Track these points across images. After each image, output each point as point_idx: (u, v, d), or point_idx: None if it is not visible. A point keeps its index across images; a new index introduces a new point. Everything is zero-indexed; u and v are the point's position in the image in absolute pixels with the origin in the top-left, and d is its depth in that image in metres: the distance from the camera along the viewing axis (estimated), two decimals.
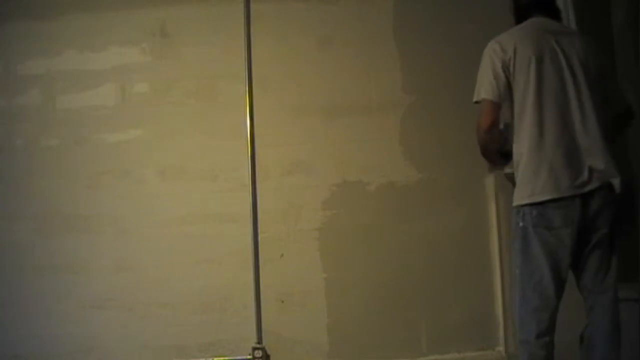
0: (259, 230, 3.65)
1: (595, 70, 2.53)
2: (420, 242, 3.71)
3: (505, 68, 2.47)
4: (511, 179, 2.66)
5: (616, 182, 2.44)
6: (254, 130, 3.71)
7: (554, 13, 2.64)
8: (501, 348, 3.64)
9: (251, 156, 3.70)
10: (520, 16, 2.63)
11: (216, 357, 3.65)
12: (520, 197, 2.48)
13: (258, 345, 3.58)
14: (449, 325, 3.67)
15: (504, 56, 2.47)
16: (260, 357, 3.54)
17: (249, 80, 3.70)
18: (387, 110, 3.78)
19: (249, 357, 3.58)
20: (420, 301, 3.68)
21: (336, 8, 3.83)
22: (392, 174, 3.75)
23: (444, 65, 3.76)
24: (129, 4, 3.85)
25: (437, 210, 3.71)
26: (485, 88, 2.48)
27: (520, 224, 2.47)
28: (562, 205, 2.40)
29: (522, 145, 2.47)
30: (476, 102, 2.55)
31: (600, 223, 2.45)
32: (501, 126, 2.54)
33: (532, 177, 2.43)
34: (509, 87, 2.47)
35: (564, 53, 2.49)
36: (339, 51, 3.81)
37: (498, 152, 2.63)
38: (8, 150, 3.83)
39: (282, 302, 3.70)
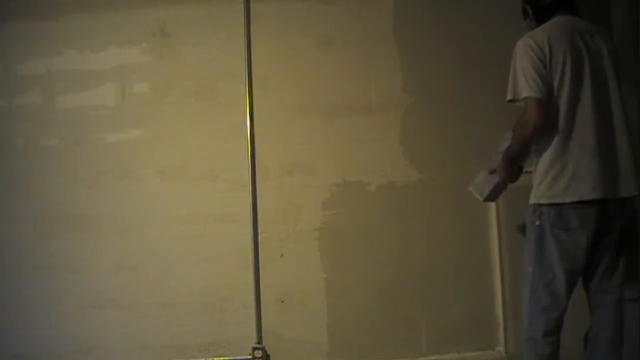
0: (259, 230, 3.65)
1: (619, 71, 2.53)
2: (420, 242, 3.71)
3: (545, 65, 2.44)
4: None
5: (635, 193, 2.45)
6: (254, 130, 3.71)
7: (576, 11, 2.61)
8: (501, 348, 3.64)
9: (251, 156, 3.70)
10: (543, 16, 2.60)
11: (216, 357, 3.65)
12: (540, 196, 2.47)
13: (258, 345, 3.58)
14: (449, 325, 3.67)
15: (541, 54, 2.44)
16: (260, 357, 3.54)
17: (249, 80, 3.70)
18: (387, 110, 3.78)
19: (249, 357, 3.58)
20: (420, 301, 3.68)
21: (336, 8, 3.82)
22: (392, 174, 3.75)
23: (444, 65, 3.76)
24: (129, 4, 3.84)
25: (437, 210, 3.71)
26: (530, 85, 2.43)
27: (537, 222, 2.46)
28: (580, 207, 2.40)
29: (547, 144, 2.46)
30: (510, 101, 2.51)
31: (615, 225, 2.45)
32: None
33: (555, 177, 2.42)
34: (550, 84, 2.44)
35: (595, 54, 2.48)
36: (339, 51, 3.81)
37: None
38: (8, 150, 3.82)
39: (282, 302, 3.69)
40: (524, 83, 2.44)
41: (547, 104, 2.42)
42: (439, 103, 3.75)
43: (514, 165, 2.60)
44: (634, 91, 3.28)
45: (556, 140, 2.44)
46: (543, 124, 2.42)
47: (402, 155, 3.76)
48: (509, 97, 2.51)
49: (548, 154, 2.45)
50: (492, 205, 3.65)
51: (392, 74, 3.79)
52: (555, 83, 2.44)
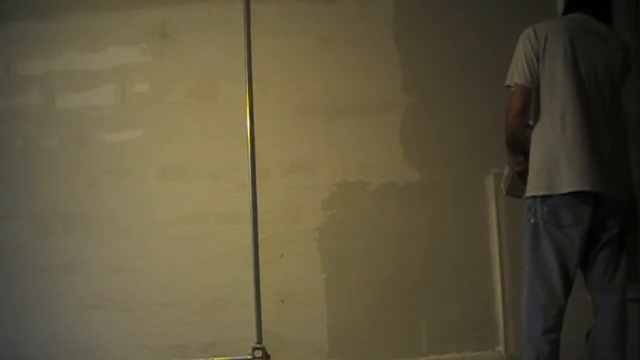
0: (259, 230, 3.65)
1: (617, 80, 2.53)
2: (420, 242, 3.70)
3: (537, 54, 2.49)
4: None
5: (624, 199, 2.45)
6: (254, 130, 3.71)
7: (600, 14, 2.60)
8: (501, 348, 3.64)
9: (251, 156, 3.70)
10: (566, 11, 2.65)
11: (216, 357, 3.65)
12: (530, 188, 2.48)
13: (258, 345, 3.58)
14: (449, 325, 3.67)
15: (536, 44, 2.49)
16: (260, 357, 3.54)
17: (249, 80, 3.69)
18: (387, 110, 3.78)
19: (249, 357, 3.58)
20: (420, 301, 3.68)
21: (336, 8, 3.83)
22: (392, 174, 3.75)
23: (444, 65, 3.76)
24: (129, 4, 3.85)
25: (437, 210, 3.71)
26: (518, 73, 2.50)
27: (532, 220, 2.48)
28: (572, 203, 2.40)
29: (536, 137, 2.48)
30: (508, 87, 2.57)
31: (612, 223, 2.45)
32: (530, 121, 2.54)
33: (552, 168, 2.43)
34: (538, 74, 2.49)
35: (597, 54, 2.49)
36: (339, 51, 3.81)
37: (522, 150, 2.61)
38: (8, 150, 3.83)
39: (282, 302, 3.70)
40: (515, 70, 2.52)
41: (529, 91, 2.48)
42: (439, 103, 3.75)
43: (516, 153, 2.60)
44: (634, 92, 3.27)
45: (545, 133, 2.46)
46: (523, 110, 2.48)
47: (402, 155, 3.76)
48: (506, 82, 2.58)
49: (537, 147, 2.48)
50: (492, 205, 3.65)
51: (392, 74, 3.79)
52: (546, 74, 2.47)
